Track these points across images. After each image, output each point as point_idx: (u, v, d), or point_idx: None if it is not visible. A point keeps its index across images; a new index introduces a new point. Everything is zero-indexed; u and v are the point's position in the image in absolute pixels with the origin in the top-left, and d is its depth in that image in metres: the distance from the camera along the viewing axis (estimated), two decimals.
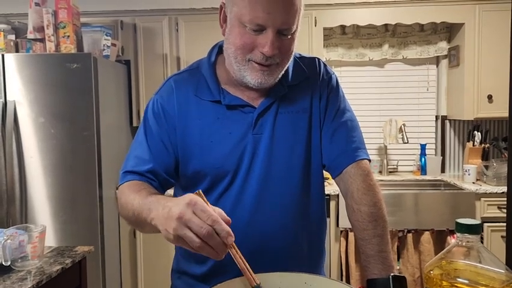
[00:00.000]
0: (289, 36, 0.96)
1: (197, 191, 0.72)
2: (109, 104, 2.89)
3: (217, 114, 1.03)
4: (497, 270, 0.69)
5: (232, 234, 0.69)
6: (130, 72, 3.17)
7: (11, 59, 2.64)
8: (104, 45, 2.84)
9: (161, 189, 1.03)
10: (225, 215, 0.72)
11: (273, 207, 1.03)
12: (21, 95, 2.64)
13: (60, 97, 2.65)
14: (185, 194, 0.74)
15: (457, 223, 0.72)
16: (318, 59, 1.14)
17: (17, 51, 2.84)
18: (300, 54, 1.12)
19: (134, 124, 3.20)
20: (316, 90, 1.08)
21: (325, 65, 1.14)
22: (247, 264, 0.72)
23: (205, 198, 0.71)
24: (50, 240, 2.60)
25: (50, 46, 2.69)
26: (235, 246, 0.72)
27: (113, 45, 2.94)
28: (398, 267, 2.71)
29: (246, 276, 0.72)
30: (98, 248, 2.67)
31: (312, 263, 1.12)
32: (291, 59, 1.03)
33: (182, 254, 1.12)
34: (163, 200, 0.80)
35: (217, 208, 0.73)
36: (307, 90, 1.08)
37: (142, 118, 1.10)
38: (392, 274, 0.94)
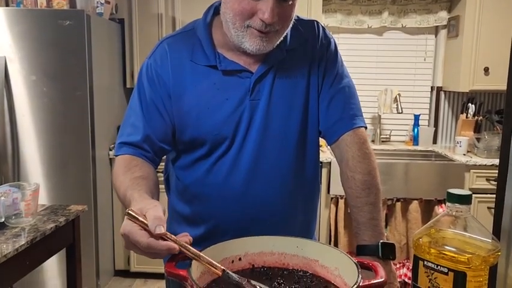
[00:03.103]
0: (290, 2, 0.94)
1: (128, 211, 0.72)
2: (102, 63, 2.84)
3: (213, 79, 1.02)
4: (484, 239, 0.71)
5: (173, 246, 0.69)
6: (124, 32, 3.10)
7: (0, 13, 2.56)
8: (97, 2, 2.76)
9: (156, 159, 1.03)
10: (161, 215, 0.71)
11: (269, 172, 1.04)
12: (11, 51, 2.58)
13: (52, 55, 2.59)
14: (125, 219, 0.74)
15: (448, 193, 0.73)
16: (317, 22, 1.11)
17: (7, 5, 2.76)
18: (298, 17, 1.09)
19: (128, 85, 3.16)
20: (315, 54, 1.07)
21: (324, 29, 1.11)
22: (204, 256, 0.70)
23: (136, 216, 0.71)
24: (43, 199, 2.61)
25: (42, 1, 2.62)
26: (185, 245, 0.70)
27: (107, 2, 2.86)
28: (385, 234, 2.77)
29: (210, 269, 0.71)
30: (91, 208, 2.69)
31: (305, 227, 1.14)
32: (290, 26, 1.00)
33: (174, 217, 1.13)
34: (135, 202, 0.80)
35: (151, 213, 0.71)
36: (306, 55, 1.06)
37: (135, 82, 1.08)
38: (381, 241, 0.97)
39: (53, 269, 2.71)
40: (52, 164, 2.68)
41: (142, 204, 0.75)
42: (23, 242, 1.50)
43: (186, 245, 0.71)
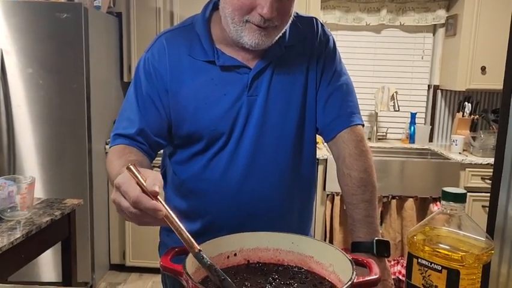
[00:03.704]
0: None
1: (128, 166, 0.68)
2: (99, 57, 2.83)
3: (211, 75, 1.01)
4: (478, 237, 0.71)
5: (160, 208, 0.64)
6: (122, 26, 3.08)
7: None
8: None
9: (151, 152, 1.03)
10: (161, 178, 0.68)
11: (266, 168, 1.04)
12: (8, 44, 2.57)
13: (49, 48, 2.58)
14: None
15: (443, 191, 0.73)
16: (316, 19, 1.11)
17: None
18: (297, 14, 1.09)
19: (125, 79, 3.15)
20: (313, 51, 1.07)
21: (322, 26, 1.11)
22: (186, 231, 0.67)
23: (135, 172, 0.67)
24: (38, 192, 2.60)
25: None
26: (171, 215, 0.67)
27: None
28: (380, 231, 2.78)
29: (186, 245, 0.68)
30: (86, 201, 2.69)
31: (301, 224, 1.14)
32: (289, 22, 1.00)
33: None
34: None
35: (151, 174, 0.68)
36: (304, 52, 1.06)
37: (133, 75, 1.08)
38: (376, 238, 0.97)
39: (48, 262, 2.71)
40: (48, 157, 2.68)
41: (142, 169, 0.70)
42: (19, 235, 1.50)
43: (172, 214, 0.67)
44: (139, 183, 0.66)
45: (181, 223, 0.68)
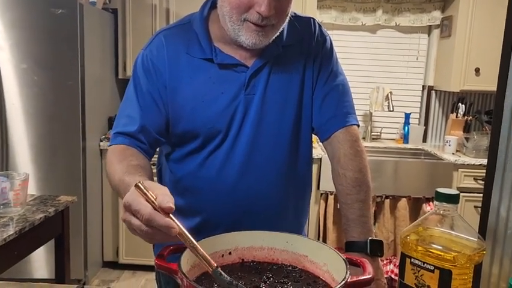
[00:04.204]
0: None
1: (136, 183, 0.66)
2: (94, 53, 2.82)
3: (209, 73, 1.02)
4: (471, 238, 0.72)
5: (173, 225, 0.63)
6: (117, 22, 3.07)
7: None
8: None
9: (150, 150, 1.03)
10: (168, 194, 0.66)
11: (261, 167, 1.04)
12: (2, 39, 2.55)
13: (43, 43, 2.57)
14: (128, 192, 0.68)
15: (437, 192, 0.74)
16: (314, 20, 1.12)
17: None
18: (295, 14, 1.10)
19: (120, 76, 3.13)
20: (311, 51, 1.07)
21: (320, 26, 1.12)
22: (201, 249, 0.66)
23: (143, 190, 0.65)
24: (31, 188, 2.59)
25: None
26: (184, 232, 0.65)
27: None
28: (374, 231, 2.80)
29: (202, 262, 0.66)
30: (80, 198, 2.68)
31: (296, 222, 1.15)
32: (287, 21, 1.00)
33: None
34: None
35: (160, 191, 0.66)
36: (301, 52, 1.07)
37: (127, 72, 1.07)
38: (370, 238, 0.98)
39: (41, 259, 2.70)
40: (42, 153, 2.66)
41: (148, 184, 0.69)
42: (12, 232, 1.49)
43: (185, 231, 0.66)
44: (148, 201, 0.65)
45: (194, 239, 0.66)
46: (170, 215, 0.65)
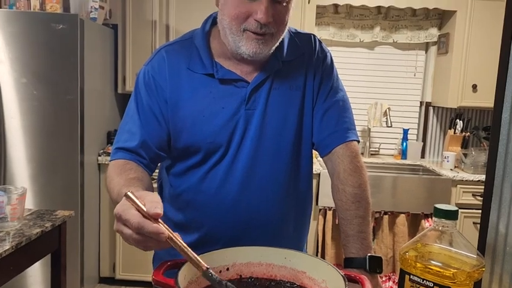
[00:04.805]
0: (284, 4, 0.96)
1: (126, 193, 0.68)
2: (94, 68, 2.83)
3: (210, 88, 1.02)
4: (470, 255, 0.72)
5: (162, 231, 0.65)
6: (117, 38, 3.09)
7: None
8: (91, 7, 2.76)
9: (151, 165, 1.03)
10: (159, 199, 0.68)
11: (262, 182, 1.04)
12: (2, 53, 2.56)
13: (44, 58, 2.58)
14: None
15: (435, 208, 0.74)
16: (314, 36, 1.13)
17: None
18: (296, 30, 1.12)
19: (119, 91, 3.15)
20: (311, 67, 1.08)
21: (320, 43, 1.13)
22: (191, 251, 0.68)
23: (133, 199, 0.67)
24: (29, 203, 2.58)
25: (35, 4, 2.61)
26: (175, 236, 0.67)
27: (101, 7, 2.86)
28: (373, 247, 2.79)
29: (193, 264, 0.69)
30: (77, 213, 2.66)
31: (296, 239, 1.14)
32: (286, 31, 1.02)
33: (166, 224, 1.12)
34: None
35: (148, 197, 0.68)
36: (302, 67, 1.08)
37: (127, 87, 1.08)
38: (369, 254, 0.97)
39: (37, 274, 2.67)
40: (40, 168, 2.65)
41: (140, 193, 0.71)
42: (8, 247, 1.48)
43: (175, 235, 0.67)
44: (138, 209, 0.66)
45: (184, 243, 0.68)
46: (159, 220, 0.66)
